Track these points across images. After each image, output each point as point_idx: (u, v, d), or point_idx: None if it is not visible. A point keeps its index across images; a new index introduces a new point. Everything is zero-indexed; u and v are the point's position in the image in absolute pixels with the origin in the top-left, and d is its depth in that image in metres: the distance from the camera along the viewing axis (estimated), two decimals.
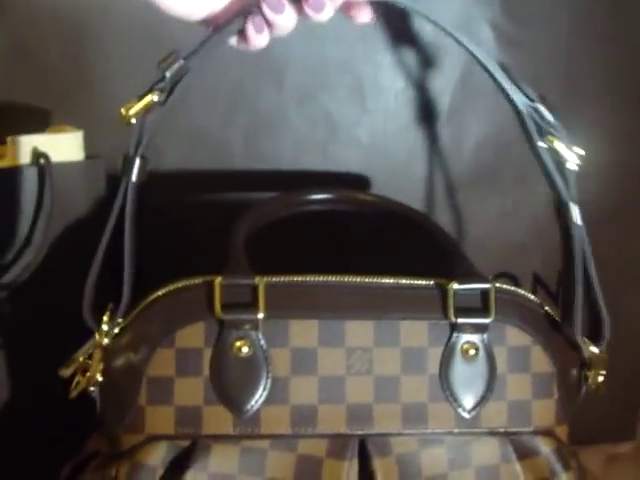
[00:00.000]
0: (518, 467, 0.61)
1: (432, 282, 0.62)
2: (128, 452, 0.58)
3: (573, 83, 0.82)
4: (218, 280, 0.58)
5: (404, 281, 0.62)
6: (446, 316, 0.60)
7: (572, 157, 0.60)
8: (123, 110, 0.57)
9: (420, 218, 0.70)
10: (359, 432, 0.59)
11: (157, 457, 0.58)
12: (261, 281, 0.59)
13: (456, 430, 0.60)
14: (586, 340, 0.63)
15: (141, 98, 0.57)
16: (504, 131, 0.83)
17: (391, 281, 0.61)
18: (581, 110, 0.81)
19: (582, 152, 0.60)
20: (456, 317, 0.60)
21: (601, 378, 0.63)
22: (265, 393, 0.59)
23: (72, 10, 0.76)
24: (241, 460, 0.58)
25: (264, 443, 0.59)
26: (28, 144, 0.69)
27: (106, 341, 0.59)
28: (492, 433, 0.61)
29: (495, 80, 0.60)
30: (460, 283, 0.61)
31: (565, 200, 0.61)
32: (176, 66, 0.57)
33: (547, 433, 0.62)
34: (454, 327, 0.61)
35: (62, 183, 0.69)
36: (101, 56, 0.77)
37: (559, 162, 0.60)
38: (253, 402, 0.58)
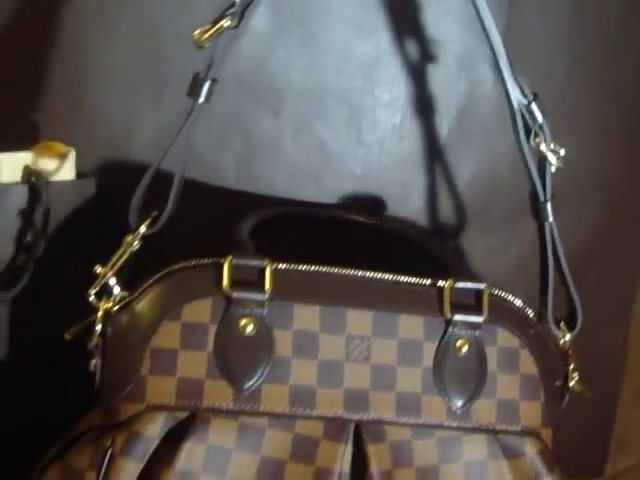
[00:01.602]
0: (505, 465, 0.68)
1: (430, 280, 0.70)
2: (125, 422, 0.64)
3: (568, 123, 0.91)
4: (228, 259, 0.65)
5: (403, 278, 0.70)
6: (442, 312, 0.68)
7: (553, 159, 0.71)
8: (197, 34, 0.66)
9: (409, 228, 0.79)
10: (355, 417, 0.66)
11: (155, 428, 0.63)
12: (269, 263, 0.66)
13: (447, 423, 0.67)
14: (562, 326, 0.74)
15: (214, 24, 0.66)
16: (496, 170, 0.91)
17: (391, 277, 0.69)
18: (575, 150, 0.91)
19: (562, 151, 0.71)
20: (451, 314, 0.68)
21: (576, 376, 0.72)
22: (266, 371, 0.65)
23: (65, 24, 0.81)
24: (239, 436, 0.64)
25: (262, 421, 0.65)
26: (20, 161, 0.73)
27: (136, 243, 0.68)
28: (481, 430, 0.68)
29: (498, 69, 0.70)
30: (456, 281, 0.69)
31: (541, 198, 0.72)
32: None
33: (533, 434, 0.69)
34: (449, 323, 0.68)
35: (53, 202, 0.74)
36: (94, 73, 0.83)
37: (541, 161, 0.72)
38: (254, 379, 0.65)
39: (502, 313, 0.70)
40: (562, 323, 0.75)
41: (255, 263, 0.65)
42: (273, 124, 0.87)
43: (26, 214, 0.73)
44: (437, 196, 0.91)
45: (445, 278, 0.69)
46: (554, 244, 0.74)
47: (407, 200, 0.90)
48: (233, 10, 0.67)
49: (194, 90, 0.68)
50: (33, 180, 0.73)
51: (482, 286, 0.68)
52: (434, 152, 0.91)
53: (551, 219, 0.73)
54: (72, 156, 0.76)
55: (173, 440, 0.63)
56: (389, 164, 0.90)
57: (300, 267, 0.67)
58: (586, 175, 0.93)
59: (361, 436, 0.66)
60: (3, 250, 0.73)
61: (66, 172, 0.76)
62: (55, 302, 0.75)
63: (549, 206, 0.73)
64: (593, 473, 0.99)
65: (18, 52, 0.81)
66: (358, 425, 0.66)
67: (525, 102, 0.72)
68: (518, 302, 0.72)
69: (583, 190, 0.93)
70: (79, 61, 0.82)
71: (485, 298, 0.68)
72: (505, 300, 0.71)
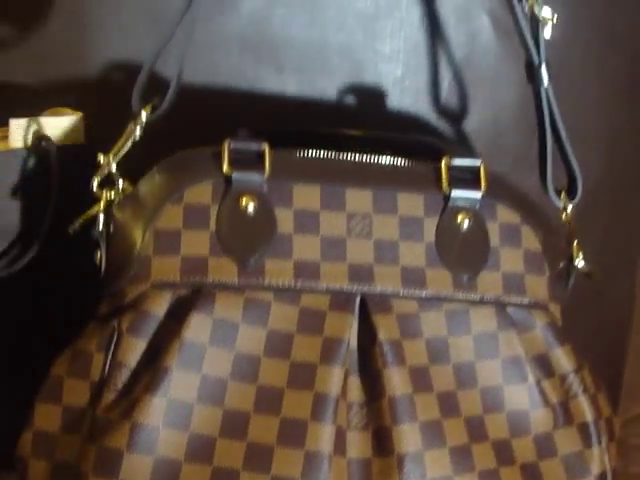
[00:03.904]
0: (515, 335, 0.67)
1: (427, 162, 0.69)
2: (131, 303, 0.64)
3: (566, 70, 0.90)
4: (227, 142, 0.66)
5: (400, 160, 0.69)
6: (440, 189, 0.68)
7: (546, 20, 0.71)
8: None
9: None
10: (361, 289, 0.65)
11: (161, 306, 0.63)
12: (267, 146, 0.66)
13: (453, 295, 0.66)
14: (562, 195, 0.73)
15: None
16: (500, 120, 0.90)
17: (388, 159, 0.69)
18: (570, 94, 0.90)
19: (555, 16, 0.71)
20: (450, 188, 0.68)
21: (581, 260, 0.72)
22: (269, 247, 0.65)
23: None
24: (245, 310, 0.63)
25: (268, 295, 0.64)
26: (30, 126, 0.74)
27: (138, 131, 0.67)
28: (488, 302, 0.67)
29: None
30: (452, 158, 0.68)
31: (536, 61, 0.72)
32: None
33: (541, 307, 0.68)
34: (448, 199, 0.68)
35: (63, 167, 0.74)
36: (101, 41, 0.83)
37: (533, 23, 0.72)
38: (257, 255, 0.64)
39: (501, 189, 0.69)
40: (563, 193, 0.74)
41: (254, 146, 0.65)
42: (276, 81, 0.87)
43: (36, 179, 0.73)
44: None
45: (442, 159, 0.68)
46: (551, 111, 0.73)
47: None
48: None
49: None
50: (43, 145, 0.73)
51: (478, 162, 0.67)
52: (436, 104, 0.90)
53: (546, 84, 0.73)
54: (80, 121, 0.76)
55: (179, 316, 0.63)
56: None
57: (299, 151, 0.67)
58: (587, 126, 0.92)
59: (367, 308, 0.65)
60: (13, 216, 0.74)
61: (76, 137, 0.76)
62: (65, 269, 0.75)
63: (544, 69, 0.73)
64: None
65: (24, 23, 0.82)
66: (364, 298, 0.65)
67: None
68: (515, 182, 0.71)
69: (586, 141, 0.91)
70: (87, 31, 0.83)
71: (483, 173, 0.68)
72: (503, 177, 0.70)
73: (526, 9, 0.72)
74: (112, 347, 0.63)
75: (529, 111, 0.87)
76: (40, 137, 0.73)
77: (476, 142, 0.90)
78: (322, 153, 0.68)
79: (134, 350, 0.63)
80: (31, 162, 0.73)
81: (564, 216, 0.73)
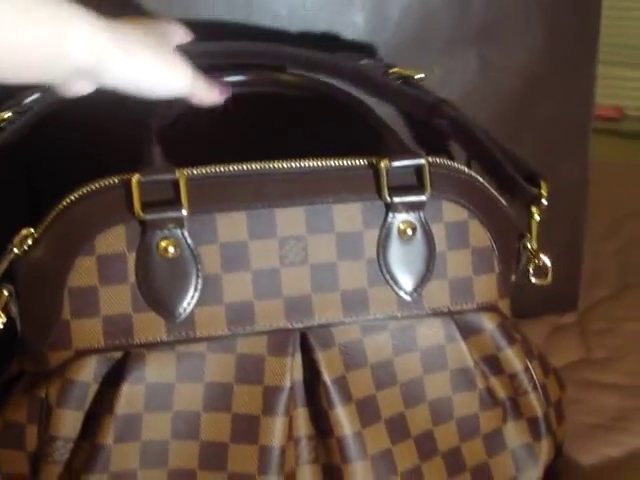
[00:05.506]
0: (463, 346, 0.62)
1: (363, 161, 0.60)
2: (57, 370, 0.57)
3: None
4: (135, 178, 0.56)
5: (333, 162, 0.60)
6: (380, 196, 0.59)
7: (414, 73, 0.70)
8: None
9: (344, 96, 0.68)
10: (299, 325, 0.59)
11: (88, 372, 0.56)
12: (182, 175, 0.57)
13: (399, 314, 0.60)
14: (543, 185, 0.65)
15: None
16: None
17: (319, 163, 0.60)
18: None
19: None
20: (390, 196, 0.59)
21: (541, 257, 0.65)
22: (197, 294, 0.57)
23: None
24: (178, 367, 0.57)
25: (201, 347, 0.57)
26: None
27: (16, 251, 0.56)
28: (435, 314, 0.61)
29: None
30: (392, 160, 0.59)
31: (432, 102, 0.67)
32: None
33: (490, 308, 0.62)
34: (389, 207, 0.59)
35: None
36: None
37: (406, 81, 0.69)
38: (185, 304, 0.57)
39: (446, 184, 0.61)
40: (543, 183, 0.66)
41: (167, 177, 0.55)
42: None
43: None
44: (369, 30, 0.80)
45: (380, 156, 0.59)
46: (472, 127, 0.67)
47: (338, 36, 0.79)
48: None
49: None
50: None
51: (422, 161, 0.58)
52: None
53: (453, 113, 0.67)
54: None
55: (112, 383, 0.56)
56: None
57: (217, 169, 0.58)
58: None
59: (308, 344, 0.58)
60: None
61: None
62: None
63: (440, 104, 0.67)
64: (567, 307, 0.93)
65: None
66: (304, 333, 0.59)
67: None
68: (464, 168, 0.63)
69: (529, 13, 0.82)
70: None
71: (426, 174, 0.59)
72: (449, 168, 0.61)
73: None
74: (43, 419, 0.57)
75: None
76: None
77: (404, 24, 0.80)
78: (245, 166, 0.59)
79: (66, 422, 0.57)
80: None
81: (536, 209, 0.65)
